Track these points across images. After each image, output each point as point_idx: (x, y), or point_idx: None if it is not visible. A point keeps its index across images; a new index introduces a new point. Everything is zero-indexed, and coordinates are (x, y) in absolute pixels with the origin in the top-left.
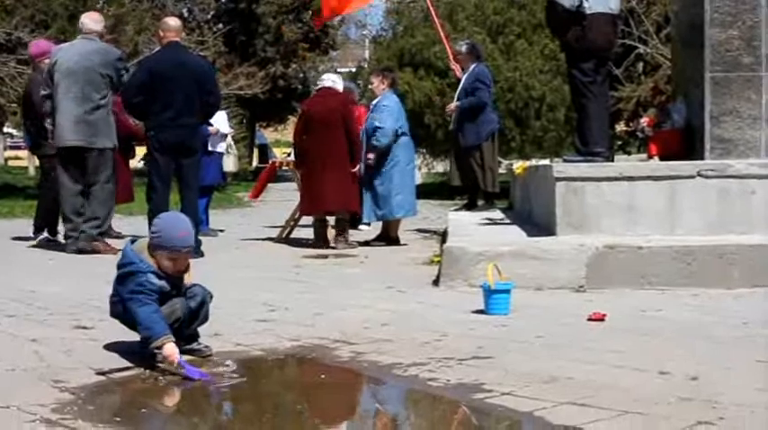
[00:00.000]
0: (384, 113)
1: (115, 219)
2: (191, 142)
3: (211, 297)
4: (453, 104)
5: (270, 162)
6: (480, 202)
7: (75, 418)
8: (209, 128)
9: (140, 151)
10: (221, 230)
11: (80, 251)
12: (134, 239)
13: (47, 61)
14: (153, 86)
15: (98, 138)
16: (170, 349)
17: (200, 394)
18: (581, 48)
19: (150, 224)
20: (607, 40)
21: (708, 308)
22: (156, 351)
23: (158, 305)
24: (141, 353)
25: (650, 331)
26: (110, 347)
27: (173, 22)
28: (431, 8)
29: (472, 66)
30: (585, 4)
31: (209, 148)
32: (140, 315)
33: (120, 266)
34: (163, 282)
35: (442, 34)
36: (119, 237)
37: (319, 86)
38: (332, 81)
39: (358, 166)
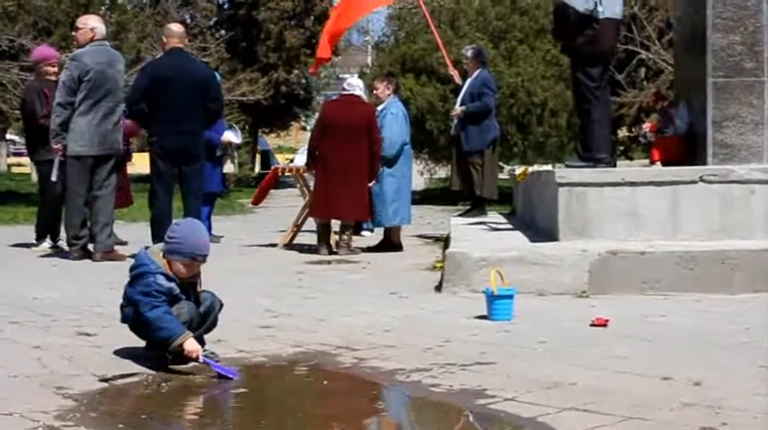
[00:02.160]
0: (392, 123)
1: (118, 226)
2: (194, 149)
3: (221, 305)
4: (460, 108)
5: (272, 168)
6: (474, 210)
7: (78, 425)
8: (222, 138)
9: (136, 156)
10: (222, 236)
11: (82, 258)
12: (147, 246)
13: (48, 68)
14: (155, 92)
15: (119, 145)
16: (192, 345)
17: (203, 401)
18: (591, 52)
19: (153, 231)
20: (613, 46)
21: (710, 313)
22: (177, 349)
23: (168, 307)
24: (146, 358)
25: (653, 336)
26: (112, 354)
27: (176, 28)
28: (428, 17)
29: (477, 71)
30: (599, 9)
31: (217, 154)
32: (152, 317)
33: (132, 269)
34: (172, 284)
35: (440, 42)
36: (121, 243)
37: (345, 92)
38: (360, 89)
39: (374, 181)
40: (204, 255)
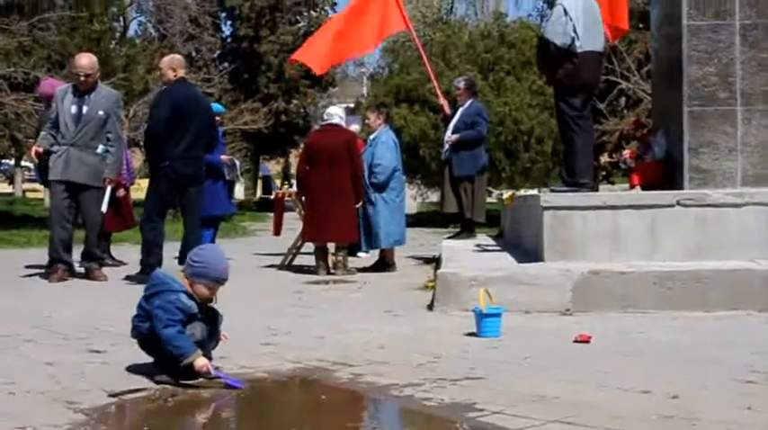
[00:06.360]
0: (383, 150)
1: (124, 247)
2: (200, 173)
3: (221, 318)
4: (454, 136)
5: (274, 194)
6: (464, 233)
7: None
8: (223, 156)
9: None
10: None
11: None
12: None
13: None
14: (172, 120)
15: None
16: (201, 361)
17: (207, 414)
18: (570, 84)
19: (147, 251)
20: (593, 77)
21: (687, 330)
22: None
23: (182, 327)
24: (153, 373)
25: (633, 352)
26: (121, 370)
27: (182, 59)
28: (421, 50)
29: (469, 101)
30: (577, 43)
31: (228, 176)
32: (167, 335)
33: (148, 288)
34: (192, 303)
35: (431, 73)
36: (115, 264)
37: (326, 121)
38: (339, 118)
39: (361, 203)
40: (225, 278)
